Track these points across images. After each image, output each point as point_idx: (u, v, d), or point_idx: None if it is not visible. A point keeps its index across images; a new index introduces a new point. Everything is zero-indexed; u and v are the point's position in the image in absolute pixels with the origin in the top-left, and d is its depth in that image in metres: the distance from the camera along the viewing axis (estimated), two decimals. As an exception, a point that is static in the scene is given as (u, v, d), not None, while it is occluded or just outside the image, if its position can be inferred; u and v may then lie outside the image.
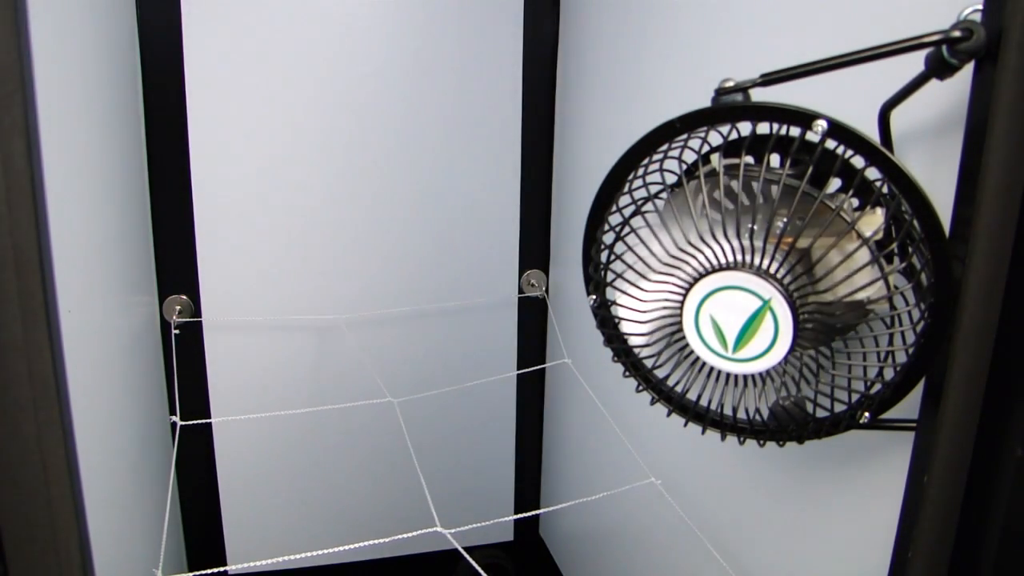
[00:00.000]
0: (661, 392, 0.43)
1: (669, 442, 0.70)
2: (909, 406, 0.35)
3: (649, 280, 0.38)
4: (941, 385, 0.31)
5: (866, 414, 0.36)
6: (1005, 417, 0.31)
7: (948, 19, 0.30)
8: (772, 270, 0.33)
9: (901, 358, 0.35)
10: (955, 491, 0.32)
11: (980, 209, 0.28)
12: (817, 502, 0.48)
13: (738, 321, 0.34)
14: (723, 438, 0.41)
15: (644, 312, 0.40)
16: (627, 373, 0.43)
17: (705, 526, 0.62)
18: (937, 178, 0.36)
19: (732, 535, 0.59)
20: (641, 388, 0.43)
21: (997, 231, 0.29)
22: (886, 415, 0.41)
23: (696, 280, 0.35)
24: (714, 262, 0.35)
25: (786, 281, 0.33)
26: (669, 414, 0.43)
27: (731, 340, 0.35)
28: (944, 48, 0.29)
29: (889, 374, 0.36)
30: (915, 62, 0.31)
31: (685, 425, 0.42)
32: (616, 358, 0.44)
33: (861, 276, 0.33)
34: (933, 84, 0.32)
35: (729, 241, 0.34)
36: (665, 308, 0.39)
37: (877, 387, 0.36)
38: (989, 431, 0.31)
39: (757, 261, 0.34)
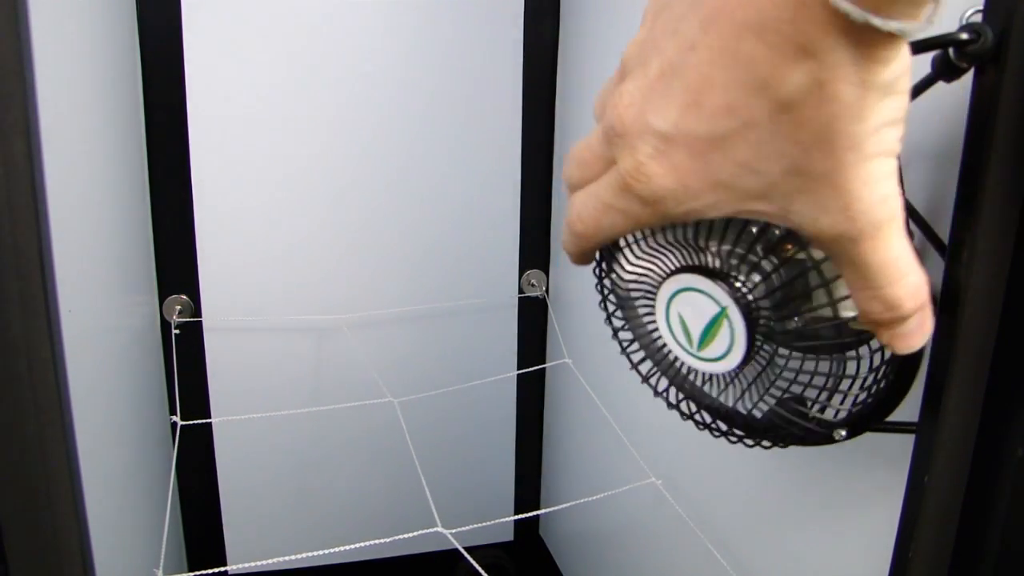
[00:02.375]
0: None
1: (670, 442, 0.70)
2: (909, 407, 0.35)
3: (632, 273, 0.38)
4: (941, 386, 0.31)
5: (842, 432, 0.36)
6: (1006, 417, 0.31)
7: (953, 21, 0.30)
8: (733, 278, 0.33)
9: (870, 380, 0.35)
10: (956, 491, 0.32)
11: (981, 208, 0.28)
12: (818, 502, 0.48)
13: (701, 323, 0.34)
14: (711, 433, 0.41)
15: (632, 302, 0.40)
16: (631, 367, 0.43)
17: (705, 526, 0.62)
18: (943, 179, 0.36)
19: (732, 535, 0.59)
20: (643, 381, 0.43)
21: (998, 231, 0.29)
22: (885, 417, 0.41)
23: (667, 276, 0.35)
24: (681, 262, 0.34)
25: (743, 291, 0.33)
26: (670, 408, 0.43)
27: (696, 338, 0.35)
28: (951, 50, 0.29)
29: (863, 391, 0.35)
30: (922, 63, 0.31)
31: (672, 407, 0.42)
32: (622, 351, 0.43)
33: (820, 295, 0.32)
34: (941, 85, 0.32)
35: (696, 242, 0.34)
36: (645, 299, 0.38)
37: (847, 407, 0.35)
38: (990, 431, 0.31)
39: (719, 266, 0.33)
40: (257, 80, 0.88)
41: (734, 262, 0.33)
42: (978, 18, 0.29)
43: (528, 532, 1.15)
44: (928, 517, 0.32)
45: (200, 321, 0.92)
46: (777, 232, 0.30)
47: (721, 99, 0.23)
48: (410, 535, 0.54)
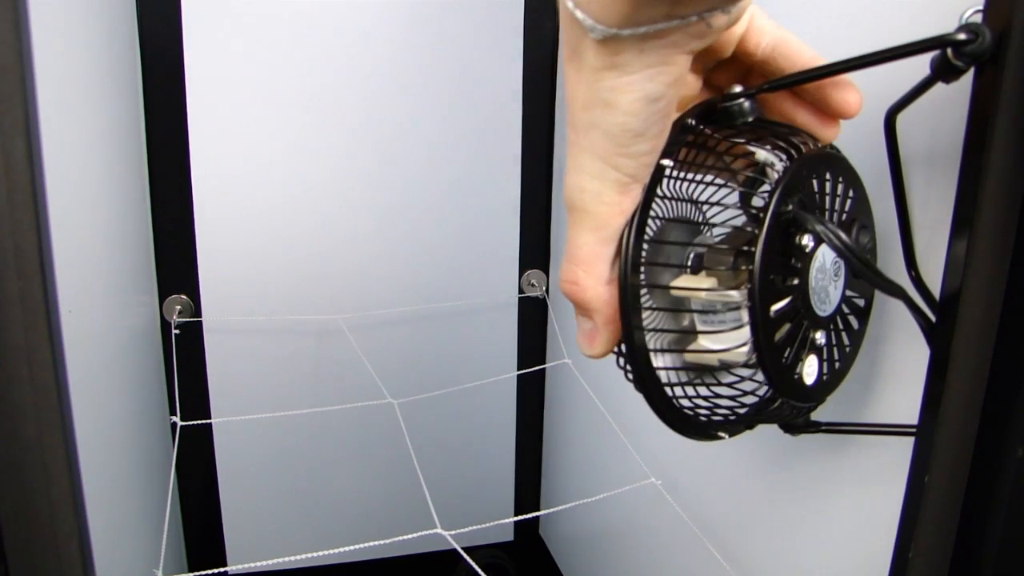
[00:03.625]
0: None
1: (669, 442, 0.70)
2: (910, 407, 0.35)
3: None
4: (941, 386, 0.31)
5: (722, 434, 0.36)
6: (1006, 417, 0.31)
7: (953, 21, 0.30)
8: None
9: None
10: (956, 492, 0.32)
11: (981, 208, 0.28)
12: (818, 502, 0.48)
13: None
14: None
15: None
16: None
17: (705, 526, 0.62)
18: (943, 179, 0.36)
19: (732, 535, 0.59)
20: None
21: (998, 231, 0.29)
22: (883, 419, 0.41)
23: None
24: None
25: None
26: None
27: None
28: (949, 51, 0.29)
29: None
30: (923, 65, 0.31)
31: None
32: None
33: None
34: (941, 86, 0.32)
35: None
36: None
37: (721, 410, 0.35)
38: (990, 431, 0.31)
39: None
40: (257, 80, 0.88)
41: None
42: (978, 18, 0.29)
43: (528, 532, 1.15)
44: (928, 517, 0.32)
45: (200, 321, 0.92)
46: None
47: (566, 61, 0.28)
48: (410, 536, 0.54)
